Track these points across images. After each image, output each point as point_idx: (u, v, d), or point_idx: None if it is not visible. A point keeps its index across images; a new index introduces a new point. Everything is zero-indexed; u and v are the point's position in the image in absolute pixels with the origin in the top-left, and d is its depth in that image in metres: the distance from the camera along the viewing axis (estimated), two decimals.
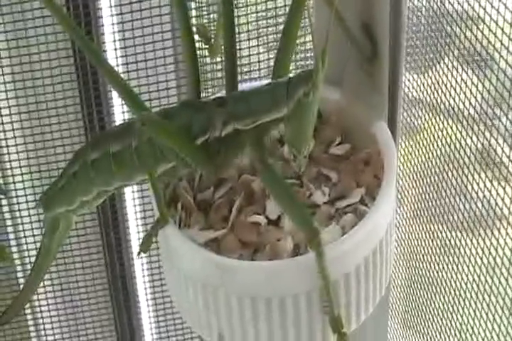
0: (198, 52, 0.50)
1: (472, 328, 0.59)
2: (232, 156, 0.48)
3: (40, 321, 0.83)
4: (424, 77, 0.60)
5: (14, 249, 0.78)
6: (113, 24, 0.70)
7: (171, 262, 0.49)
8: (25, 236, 0.77)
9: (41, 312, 0.82)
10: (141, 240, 0.48)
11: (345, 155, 0.51)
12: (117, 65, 0.71)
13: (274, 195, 0.47)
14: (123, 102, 0.65)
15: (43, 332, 0.83)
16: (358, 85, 0.51)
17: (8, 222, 0.78)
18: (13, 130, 0.73)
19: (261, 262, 0.46)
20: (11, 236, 0.78)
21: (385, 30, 0.49)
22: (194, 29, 0.51)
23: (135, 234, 0.80)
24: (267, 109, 0.46)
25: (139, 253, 0.48)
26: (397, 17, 0.52)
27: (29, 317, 0.82)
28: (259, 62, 0.70)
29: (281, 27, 0.65)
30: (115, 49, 0.71)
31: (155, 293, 0.83)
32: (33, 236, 0.77)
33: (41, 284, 0.79)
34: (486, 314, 0.56)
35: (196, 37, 0.52)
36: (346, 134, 0.52)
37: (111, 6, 0.69)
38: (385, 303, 0.70)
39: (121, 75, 0.51)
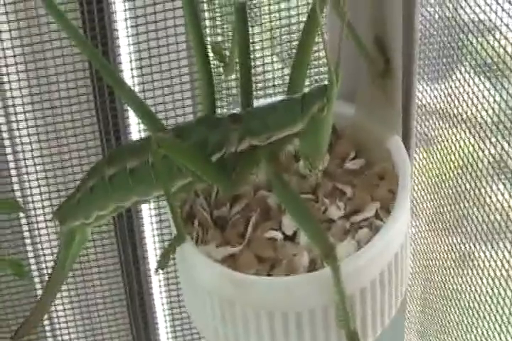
0: (213, 69, 0.51)
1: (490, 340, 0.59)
2: (247, 172, 0.48)
3: (58, 333, 0.83)
4: (441, 89, 0.60)
5: (33, 265, 0.78)
6: (129, 44, 0.71)
7: (188, 278, 0.50)
8: (42, 248, 0.77)
9: (59, 323, 0.82)
10: (158, 257, 0.48)
11: (359, 169, 0.51)
12: (134, 85, 0.72)
13: (289, 210, 0.47)
14: (139, 121, 0.65)
15: None
16: (371, 100, 0.51)
17: (27, 238, 0.78)
18: (30, 143, 0.73)
19: (277, 277, 0.46)
20: (29, 248, 0.78)
21: (398, 43, 0.49)
22: (209, 47, 0.52)
23: (152, 250, 0.80)
24: (281, 125, 0.46)
25: (156, 270, 0.48)
26: (410, 29, 0.52)
27: (48, 334, 0.82)
28: (273, 78, 0.71)
29: (295, 43, 0.66)
30: (131, 69, 0.71)
31: (172, 309, 0.83)
32: (51, 252, 0.77)
33: (60, 301, 0.80)
34: (506, 326, 0.56)
35: (211, 55, 0.52)
36: (361, 149, 0.52)
37: (127, 27, 0.70)
38: (401, 316, 0.70)
39: (138, 94, 0.52)
